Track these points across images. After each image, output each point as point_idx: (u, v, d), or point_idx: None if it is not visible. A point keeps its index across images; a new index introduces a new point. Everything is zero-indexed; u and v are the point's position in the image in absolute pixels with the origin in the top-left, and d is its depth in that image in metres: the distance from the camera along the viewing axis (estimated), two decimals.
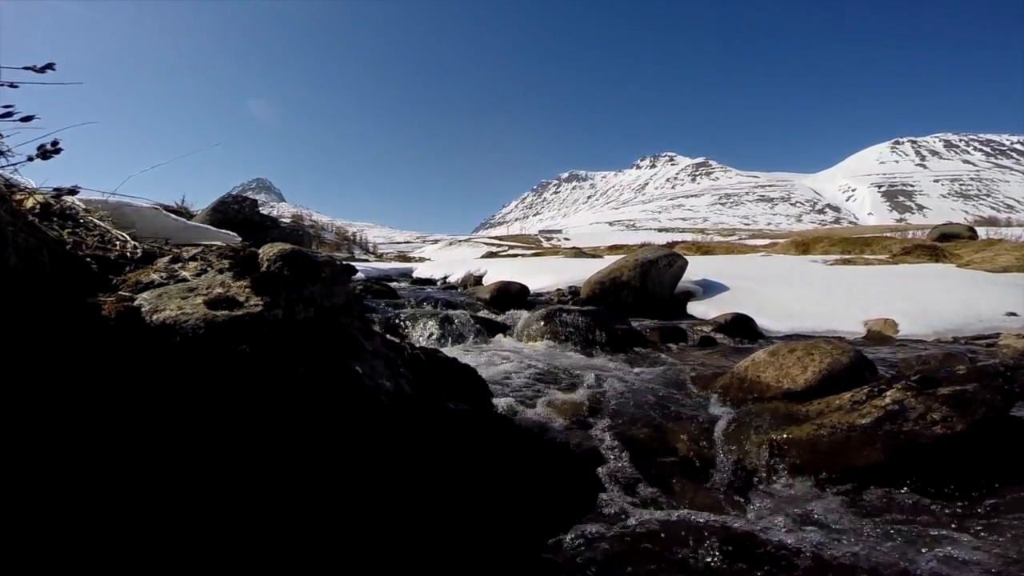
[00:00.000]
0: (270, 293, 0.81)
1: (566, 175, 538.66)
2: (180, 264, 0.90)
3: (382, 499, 0.91)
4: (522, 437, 1.47)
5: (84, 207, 2.00)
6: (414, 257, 31.52)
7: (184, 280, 0.83)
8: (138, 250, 0.96)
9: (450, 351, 3.80)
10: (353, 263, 16.14)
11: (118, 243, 0.97)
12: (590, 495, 1.48)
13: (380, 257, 31.14)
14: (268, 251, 0.89)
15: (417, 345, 2.20)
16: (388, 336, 1.47)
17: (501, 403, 2.30)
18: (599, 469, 1.73)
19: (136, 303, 0.73)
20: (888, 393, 1.94)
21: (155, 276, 0.83)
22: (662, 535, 1.46)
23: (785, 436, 1.93)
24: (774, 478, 1.81)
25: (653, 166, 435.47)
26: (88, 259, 0.88)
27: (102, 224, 1.06)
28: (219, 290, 0.78)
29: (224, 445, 0.73)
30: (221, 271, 0.85)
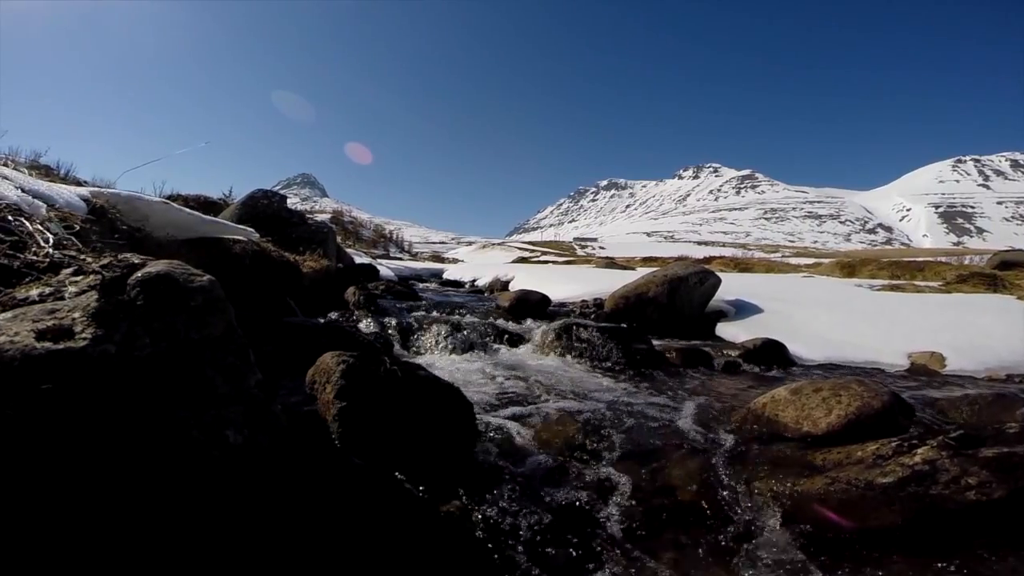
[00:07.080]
0: (108, 325, 0.71)
1: (605, 183, 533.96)
2: (79, 278, 0.82)
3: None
4: (473, 487, 1.31)
5: (73, 200, 1.94)
6: (447, 258, 31.80)
7: (60, 299, 0.74)
8: (48, 259, 0.89)
9: (455, 360, 3.70)
10: (387, 261, 16.37)
11: (32, 249, 0.91)
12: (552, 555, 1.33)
13: (415, 256, 31.48)
14: (137, 273, 0.79)
15: (402, 359, 2.10)
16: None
17: (483, 425, 2.17)
18: (569, 520, 1.58)
19: None
20: (919, 451, 1.70)
21: (35, 292, 0.75)
22: None
23: (793, 488, 1.72)
24: (773, 534, 1.61)
25: (696, 177, 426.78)
26: None
27: (33, 227, 0.99)
28: (76, 315, 0.68)
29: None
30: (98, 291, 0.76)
